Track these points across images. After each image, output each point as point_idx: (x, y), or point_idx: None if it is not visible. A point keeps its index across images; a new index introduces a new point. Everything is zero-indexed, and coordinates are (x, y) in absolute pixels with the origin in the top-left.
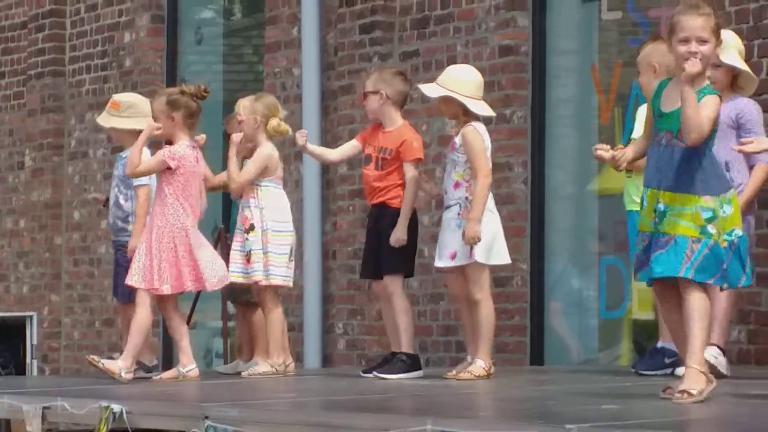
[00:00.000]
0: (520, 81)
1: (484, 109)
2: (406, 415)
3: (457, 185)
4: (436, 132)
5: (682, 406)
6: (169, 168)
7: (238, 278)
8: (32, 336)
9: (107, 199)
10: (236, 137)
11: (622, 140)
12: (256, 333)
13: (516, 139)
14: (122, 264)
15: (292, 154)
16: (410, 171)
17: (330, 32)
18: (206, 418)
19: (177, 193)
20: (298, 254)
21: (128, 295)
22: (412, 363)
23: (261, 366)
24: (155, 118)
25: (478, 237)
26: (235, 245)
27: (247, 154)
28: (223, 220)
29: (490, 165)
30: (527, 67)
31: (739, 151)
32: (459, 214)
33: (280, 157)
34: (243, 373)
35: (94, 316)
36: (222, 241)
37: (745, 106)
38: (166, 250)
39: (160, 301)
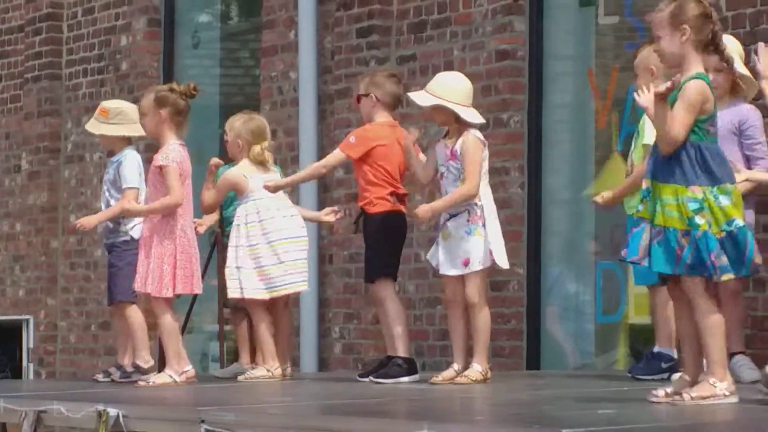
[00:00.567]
0: (517, 85)
1: (474, 116)
2: (402, 420)
3: None
4: (433, 136)
5: (678, 411)
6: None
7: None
8: (28, 339)
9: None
10: (214, 162)
11: (619, 145)
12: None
13: (513, 143)
14: (116, 264)
15: (288, 158)
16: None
17: (327, 36)
18: (202, 422)
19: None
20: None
21: (127, 294)
22: (407, 367)
23: (257, 370)
24: (142, 114)
25: (425, 218)
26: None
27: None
28: (219, 226)
29: (480, 179)
30: (524, 72)
31: None
32: (468, 220)
33: (276, 162)
34: (240, 377)
35: (91, 320)
36: (219, 246)
37: (748, 112)
38: (169, 253)
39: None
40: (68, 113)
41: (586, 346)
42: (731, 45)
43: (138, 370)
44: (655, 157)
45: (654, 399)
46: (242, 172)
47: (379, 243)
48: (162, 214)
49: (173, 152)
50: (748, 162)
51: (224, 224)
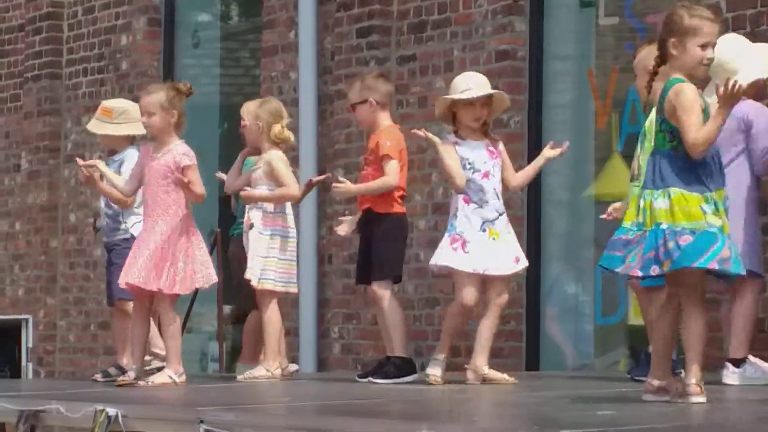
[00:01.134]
0: (517, 86)
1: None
2: (400, 420)
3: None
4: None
5: (676, 412)
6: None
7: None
8: (27, 339)
9: (95, 222)
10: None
11: (619, 145)
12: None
13: (513, 144)
14: (116, 262)
15: (288, 158)
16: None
17: (327, 36)
18: (201, 422)
19: (179, 192)
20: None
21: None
22: (405, 367)
23: (256, 370)
24: (150, 113)
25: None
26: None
27: (253, 152)
28: (219, 224)
29: None
30: (524, 72)
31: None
32: (507, 221)
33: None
34: (239, 377)
35: (90, 319)
36: (218, 244)
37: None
38: (182, 251)
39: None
40: (68, 112)
41: (585, 348)
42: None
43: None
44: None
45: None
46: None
47: (386, 243)
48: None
49: (189, 151)
50: (751, 161)
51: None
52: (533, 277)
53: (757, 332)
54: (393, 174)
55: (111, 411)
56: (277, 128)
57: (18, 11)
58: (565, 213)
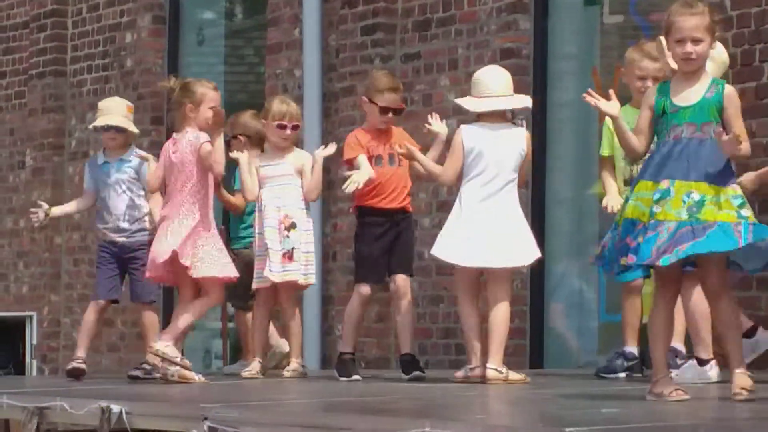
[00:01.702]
0: (522, 84)
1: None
2: (404, 418)
3: None
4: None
5: (680, 410)
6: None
7: (275, 278)
8: (32, 336)
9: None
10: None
11: None
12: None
13: None
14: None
15: None
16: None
17: (332, 34)
18: (205, 419)
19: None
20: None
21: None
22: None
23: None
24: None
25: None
26: (273, 244)
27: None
28: (223, 222)
29: None
30: (528, 70)
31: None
32: None
33: None
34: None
35: None
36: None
37: None
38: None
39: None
40: (72, 110)
41: (589, 345)
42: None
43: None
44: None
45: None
46: None
47: (413, 241)
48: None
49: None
50: None
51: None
52: (537, 274)
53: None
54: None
55: (115, 408)
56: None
57: (23, 8)
58: (570, 211)
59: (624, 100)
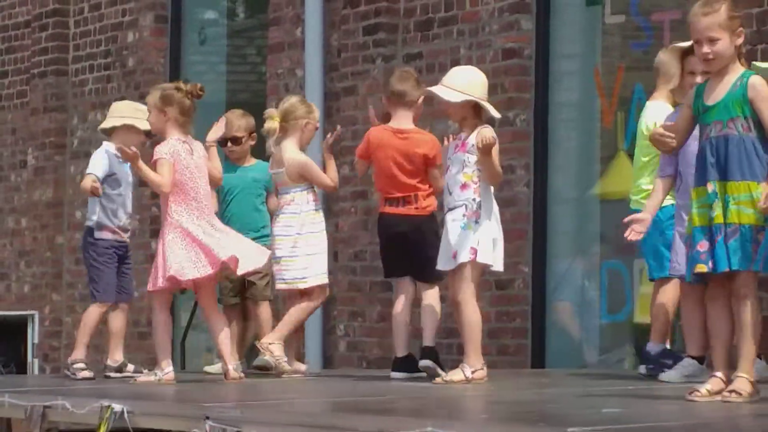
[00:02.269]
0: (524, 84)
1: (494, 110)
2: (406, 417)
3: (464, 186)
4: (438, 134)
5: (684, 410)
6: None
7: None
8: (33, 335)
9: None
10: None
11: (625, 144)
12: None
13: (519, 141)
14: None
15: None
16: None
17: (333, 34)
18: (207, 418)
19: (175, 190)
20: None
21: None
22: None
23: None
24: (148, 111)
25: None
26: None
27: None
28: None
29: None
30: (530, 70)
31: None
32: (464, 215)
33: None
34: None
35: None
36: None
37: None
38: (166, 248)
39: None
40: (74, 109)
41: (591, 345)
42: None
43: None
44: (717, 157)
45: (696, 398)
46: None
47: (432, 245)
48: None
49: (167, 146)
50: None
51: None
52: (539, 274)
53: (762, 331)
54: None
55: (117, 407)
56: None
57: (24, 7)
58: (571, 211)
59: (624, 100)
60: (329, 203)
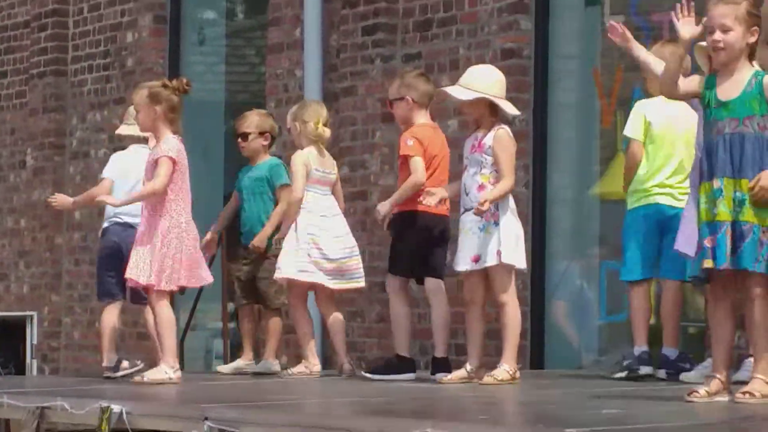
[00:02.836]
0: (523, 84)
1: (511, 108)
2: (406, 418)
3: (481, 187)
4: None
5: (683, 411)
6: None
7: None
8: (32, 336)
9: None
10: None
11: (624, 144)
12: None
13: (518, 142)
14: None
15: None
16: (411, 166)
17: (333, 34)
18: (206, 419)
19: (176, 189)
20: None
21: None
22: (399, 365)
23: (298, 366)
24: (136, 111)
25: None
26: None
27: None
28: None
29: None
30: (529, 71)
31: None
32: (482, 217)
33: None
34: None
35: (95, 316)
36: (222, 242)
37: None
38: (173, 247)
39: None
40: (73, 109)
41: (590, 346)
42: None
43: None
44: (730, 154)
45: (695, 398)
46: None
47: (396, 240)
48: (167, 210)
49: (168, 144)
50: None
51: (240, 223)
52: (538, 275)
53: None
54: (419, 171)
55: (116, 408)
56: (310, 126)
57: (24, 8)
58: (570, 211)
59: (624, 101)
60: None
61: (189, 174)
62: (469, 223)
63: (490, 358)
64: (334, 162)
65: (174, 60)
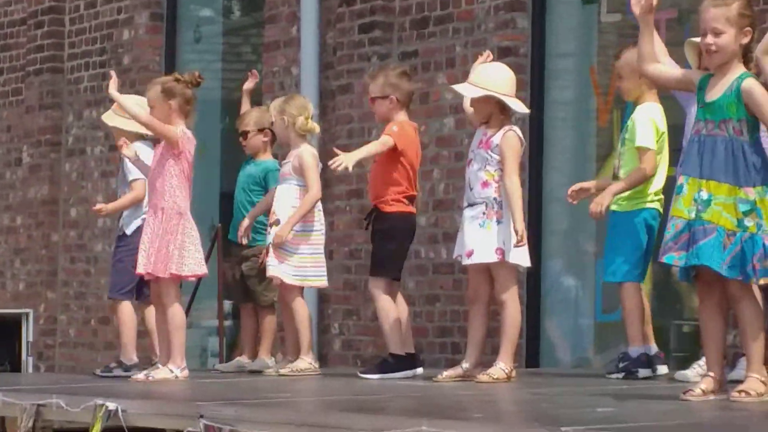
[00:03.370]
0: (519, 82)
1: (520, 107)
2: (401, 416)
3: (485, 184)
4: (434, 133)
5: (678, 410)
6: (176, 152)
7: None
8: (28, 333)
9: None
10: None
11: (621, 144)
12: (263, 332)
13: None
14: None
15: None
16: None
17: (329, 32)
18: (201, 417)
19: (181, 176)
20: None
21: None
22: (395, 364)
23: (300, 362)
24: (151, 107)
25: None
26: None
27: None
28: (220, 219)
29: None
30: (526, 69)
31: None
32: (484, 213)
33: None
34: (282, 371)
35: (90, 314)
36: (219, 240)
37: None
38: (173, 233)
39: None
40: (70, 107)
41: (585, 345)
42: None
43: (120, 366)
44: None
45: (690, 397)
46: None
47: (384, 241)
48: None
49: (180, 128)
50: None
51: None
52: (533, 273)
53: None
54: (386, 137)
55: (111, 405)
56: (300, 120)
57: (20, 5)
58: (566, 210)
59: (620, 99)
60: (324, 201)
61: None
62: (469, 218)
63: (487, 356)
64: None
65: (170, 57)
